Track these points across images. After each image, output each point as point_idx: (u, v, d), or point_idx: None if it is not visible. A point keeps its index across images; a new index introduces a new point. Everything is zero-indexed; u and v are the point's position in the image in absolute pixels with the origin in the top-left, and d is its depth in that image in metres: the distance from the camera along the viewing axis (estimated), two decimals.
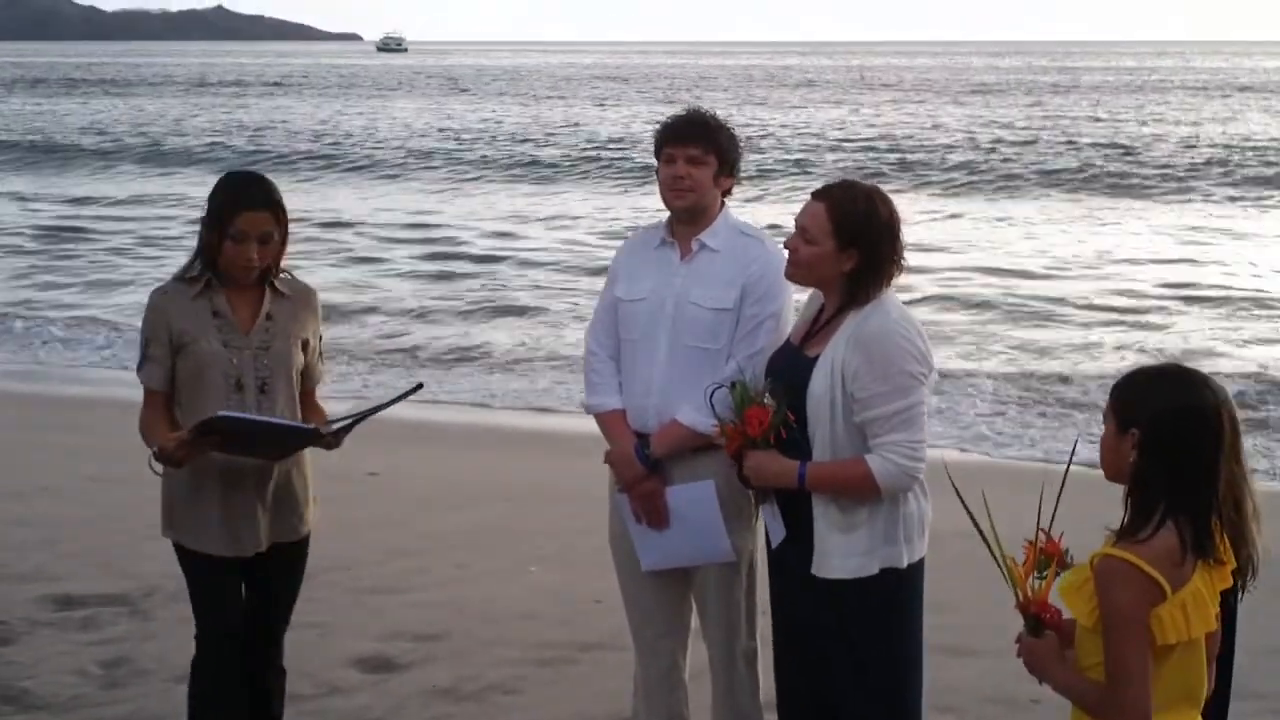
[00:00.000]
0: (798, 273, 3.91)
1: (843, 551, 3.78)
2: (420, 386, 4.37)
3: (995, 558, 3.05)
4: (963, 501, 3.13)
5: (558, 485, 8.84)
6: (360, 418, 4.23)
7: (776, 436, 3.80)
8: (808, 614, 3.90)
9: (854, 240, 3.77)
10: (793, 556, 3.91)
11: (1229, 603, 3.01)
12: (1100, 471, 3.06)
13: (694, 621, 4.54)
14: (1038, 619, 3.04)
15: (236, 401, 4.19)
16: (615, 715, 5.31)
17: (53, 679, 5.70)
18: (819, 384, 3.76)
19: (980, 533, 3.07)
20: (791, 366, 3.87)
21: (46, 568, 7.09)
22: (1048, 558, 3.06)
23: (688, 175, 4.24)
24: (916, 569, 3.88)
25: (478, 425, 11.38)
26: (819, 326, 3.91)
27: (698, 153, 4.23)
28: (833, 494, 3.77)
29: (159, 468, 4.19)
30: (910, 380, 3.72)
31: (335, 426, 4.20)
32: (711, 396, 3.97)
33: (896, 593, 3.84)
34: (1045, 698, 4.83)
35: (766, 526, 4.06)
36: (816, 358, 3.80)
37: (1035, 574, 3.05)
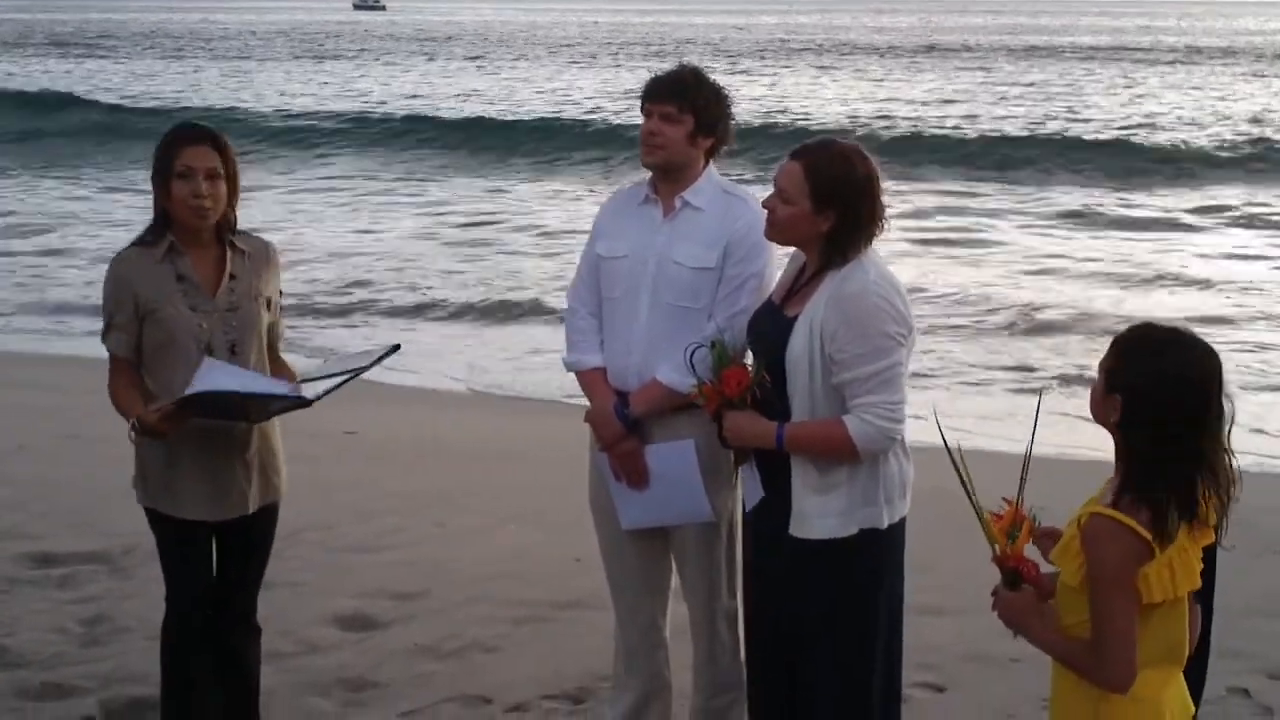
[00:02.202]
0: (776, 233, 3.90)
1: (820, 512, 3.77)
2: (398, 348, 4.34)
3: (974, 509, 3.05)
4: (947, 447, 3.12)
5: (535, 443, 8.85)
6: (342, 382, 4.20)
7: (754, 397, 3.79)
8: (782, 575, 3.90)
9: (830, 200, 3.74)
10: (769, 516, 3.91)
11: (1209, 558, 3.03)
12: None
13: (675, 581, 4.55)
14: (1015, 572, 3.04)
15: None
16: (595, 674, 5.34)
17: (32, 636, 5.70)
18: (798, 344, 3.74)
19: (962, 481, 3.06)
20: (771, 326, 3.86)
21: (23, 526, 7.08)
22: (1017, 524, 3.07)
23: (659, 132, 4.23)
24: (897, 530, 3.88)
25: (456, 384, 11.36)
26: (799, 286, 3.90)
27: (672, 110, 4.21)
28: (811, 455, 3.76)
29: (138, 440, 4.12)
30: (888, 341, 3.70)
31: (319, 392, 4.15)
32: (691, 356, 3.96)
33: (874, 554, 3.83)
34: (1025, 656, 4.86)
35: (744, 486, 4.06)
36: (796, 318, 3.79)
37: (1009, 537, 3.06)
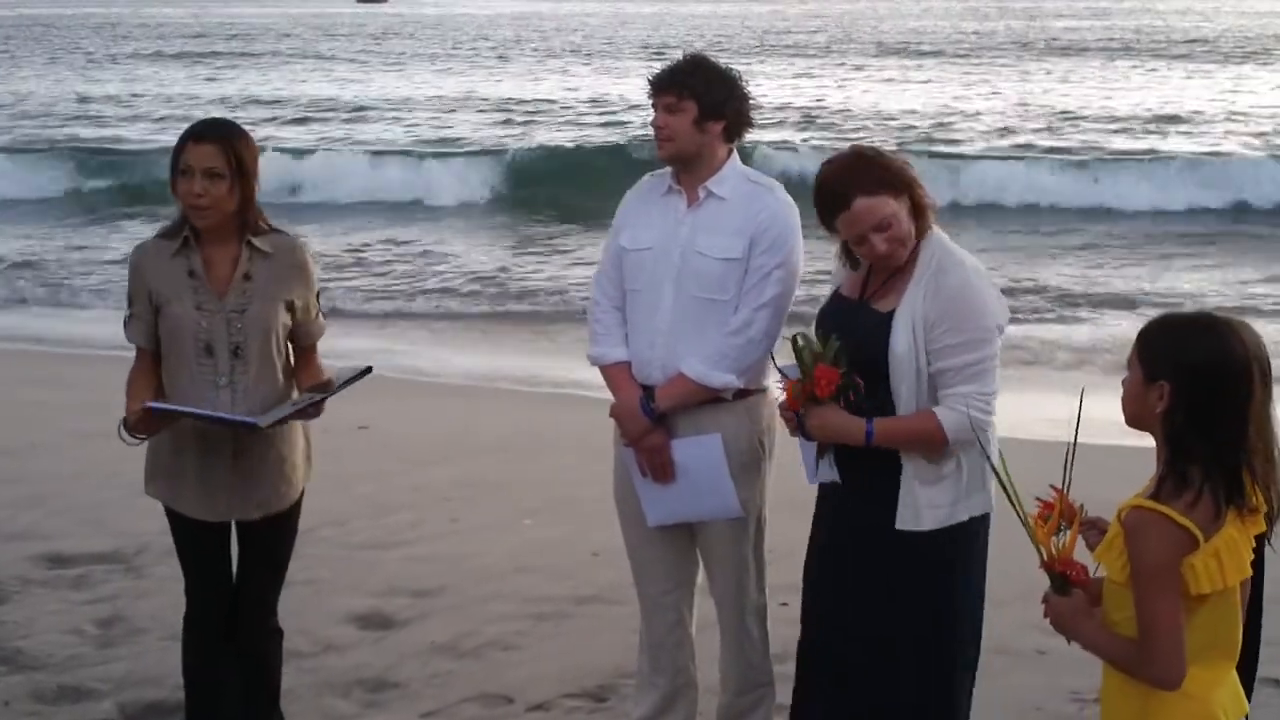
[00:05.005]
0: (905, 251, 3.77)
1: (931, 503, 3.74)
2: (369, 370, 4.23)
3: (1019, 516, 2.99)
4: (986, 456, 3.07)
5: (549, 436, 8.79)
6: (306, 407, 4.13)
7: (847, 400, 3.71)
8: (881, 566, 3.81)
9: (900, 190, 3.75)
10: (846, 500, 3.85)
11: (1258, 548, 2.96)
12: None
13: (701, 576, 4.49)
14: (1064, 577, 2.97)
15: (209, 366, 4.11)
16: (616, 670, 5.29)
17: (47, 638, 5.65)
18: (901, 341, 3.69)
19: (1005, 489, 3.01)
20: (860, 322, 3.77)
21: (37, 526, 7.01)
22: (1068, 520, 3.01)
23: (666, 125, 4.20)
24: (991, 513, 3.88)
25: (467, 376, 11.28)
26: (881, 281, 3.81)
27: (672, 100, 4.19)
28: (901, 448, 3.73)
29: (129, 439, 4.11)
30: (987, 333, 3.70)
31: (271, 419, 4.07)
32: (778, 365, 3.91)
33: (978, 538, 3.84)
34: (1052, 649, 4.81)
35: (809, 467, 3.93)
36: (891, 313, 3.72)
37: (1057, 532, 3.00)
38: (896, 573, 3.80)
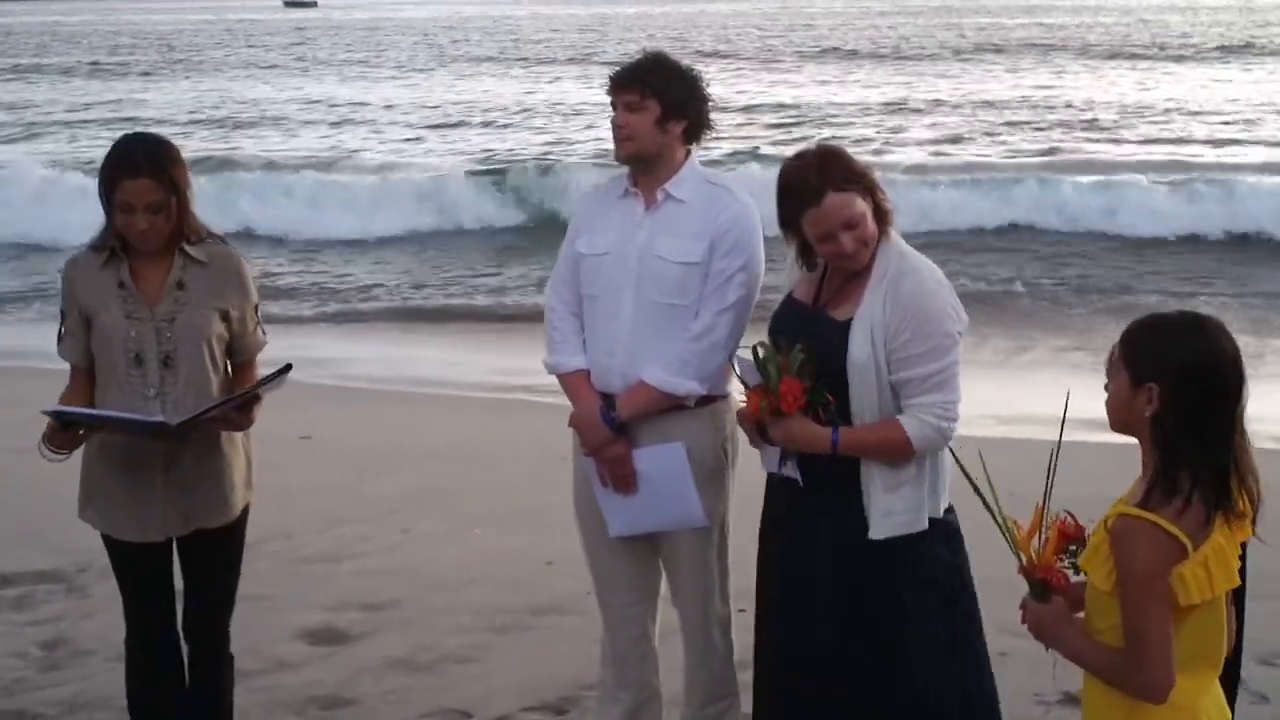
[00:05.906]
0: (867, 253, 3.72)
1: (898, 508, 3.69)
2: (289, 368, 4.06)
3: (997, 521, 2.93)
4: (960, 465, 3.03)
5: (495, 443, 8.69)
6: (219, 405, 3.99)
7: (815, 416, 3.65)
8: (855, 577, 3.75)
9: (863, 190, 3.71)
10: (823, 518, 3.78)
11: (1241, 555, 2.92)
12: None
13: (663, 586, 4.41)
14: (1044, 583, 2.91)
15: (138, 377, 4.00)
16: (575, 682, 5.21)
17: None
18: (859, 350, 3.64)
19: (980, 495, 2.96)
20: (818, 331, 3.71)
21: None
22: (1068, 540, 2.94)
23: (626, 123, 4.12)
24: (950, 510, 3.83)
25: (409, 382, 11.15)
26: (837, 287, 3.77)
27: (634, 98, 4.10)
28: (866, 457, 3.69)
29: (50, 454, 3.99)
30: (948, 340, 3.65)
31: (181, 418, 3.94)
32: (738, 366, 3.85)
33: (949, 538, 3.79)
34: (1012, 650, 4.77)
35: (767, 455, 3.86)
36: (848, 322, 3.68)
37: (1036, 538, 2.94)
38: (861, 578, 3.74)
